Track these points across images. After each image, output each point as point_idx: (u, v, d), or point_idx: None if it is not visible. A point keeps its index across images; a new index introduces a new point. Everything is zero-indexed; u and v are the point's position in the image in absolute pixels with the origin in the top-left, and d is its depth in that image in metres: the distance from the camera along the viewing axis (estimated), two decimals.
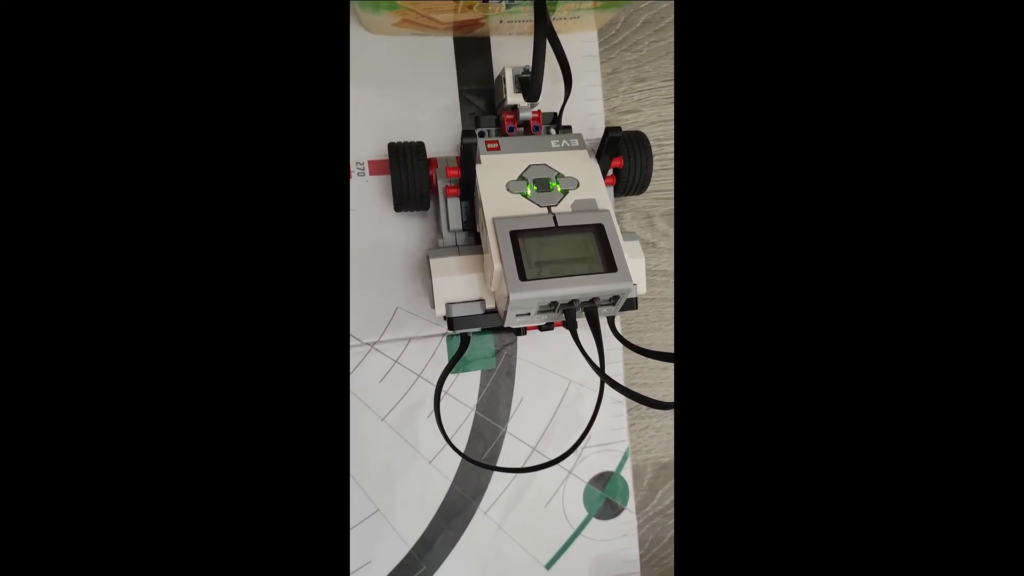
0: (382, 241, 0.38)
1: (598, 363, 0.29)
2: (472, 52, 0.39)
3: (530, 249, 0.30)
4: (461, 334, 0.37)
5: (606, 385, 0.34)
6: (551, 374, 0.41)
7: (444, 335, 0.39)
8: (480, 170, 0.32)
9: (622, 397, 0.42)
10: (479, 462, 0.37)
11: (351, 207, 0.37)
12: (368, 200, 0.38)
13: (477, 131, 0.35)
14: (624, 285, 0.29)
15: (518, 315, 0.30)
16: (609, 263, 0.30)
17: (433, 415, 0.38)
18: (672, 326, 0.43)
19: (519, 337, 0.40)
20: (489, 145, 0.34)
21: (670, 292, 0.43)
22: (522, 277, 0.29)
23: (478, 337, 0.40)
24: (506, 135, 0.35)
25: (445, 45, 0.39)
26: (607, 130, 0.32)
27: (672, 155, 0.42)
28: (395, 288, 0.38)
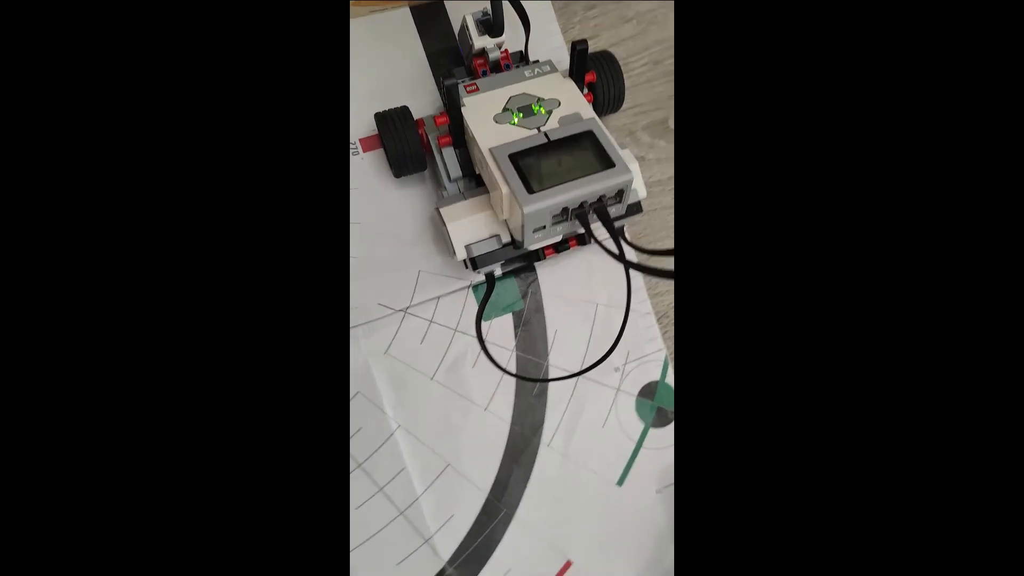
0: (390, 212, 0.40)
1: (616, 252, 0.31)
2: (430, 17, 0.41)
3: (531, 166, 0.31)
4: (487, 278, 0.39)
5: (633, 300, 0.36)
6: (578, 302, 0.43)
7: (469, 286, 0.41)
8: (466, 112, 0.34)
9: (649, 308, 0.44)
10: (535, 378, 0.39)
11: (352, 186, 0.39)
12: (367, 176, 0.39)
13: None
14: (625, 177, 0.31)
15: (535, 231, 0.32)
16: (606, 161, 0.31)
17: (477, 364, 0.40)
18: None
19: (539, 268, 0.42)
20: (468, 88, 0.35)
21: (670, 200, 0.45)
22: (530, 191, 0.30)
23: (502, 283, 0.41)
24: (480, 78, 0.37)
25: (403, 17, 0.40)
26: (573, 45, 0.34)
27: (640, 70, 0.44)
28: (413, 253, 0.40)
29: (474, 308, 0.41)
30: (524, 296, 0.42)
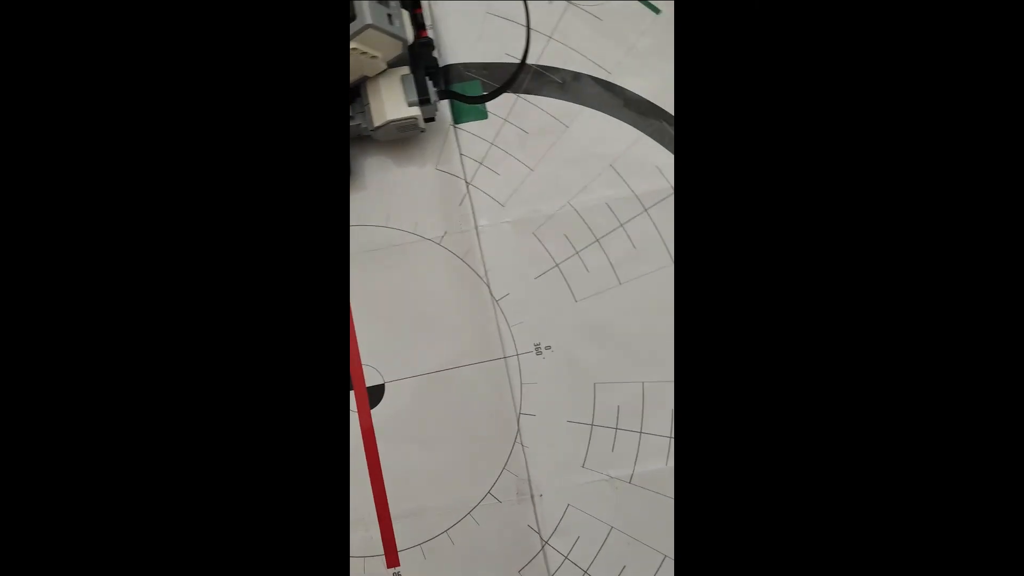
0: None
1: None
2: None
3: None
4: (445, 95, 0.43)
5: None
6: None
7: (451, 125, 0.45)
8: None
9: None
10: None
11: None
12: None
13: None
14: None
15: (391, 23, 0.37)
16: None
17: None
18: None
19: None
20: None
21: None
22: (354, 16, 0.36)
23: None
24: None
25: None
26: None
27: None
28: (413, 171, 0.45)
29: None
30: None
